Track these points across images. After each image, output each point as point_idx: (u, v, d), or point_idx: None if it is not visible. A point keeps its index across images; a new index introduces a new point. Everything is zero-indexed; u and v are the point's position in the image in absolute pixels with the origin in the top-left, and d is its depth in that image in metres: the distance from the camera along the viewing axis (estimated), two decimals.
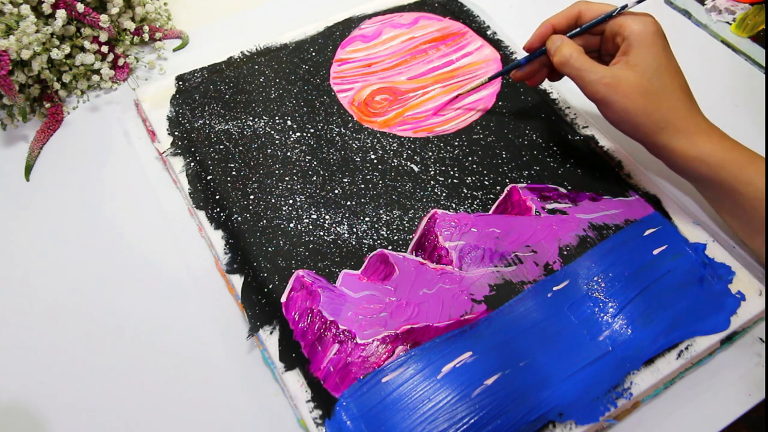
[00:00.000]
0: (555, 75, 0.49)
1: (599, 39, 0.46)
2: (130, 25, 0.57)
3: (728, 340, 0.42)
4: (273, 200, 0.47)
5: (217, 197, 0.47)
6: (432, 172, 0.49)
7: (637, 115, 0.42)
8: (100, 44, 0.56)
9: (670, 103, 0.42)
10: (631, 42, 0.42)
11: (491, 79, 0.53)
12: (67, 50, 0.53)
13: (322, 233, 0.45)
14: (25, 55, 0.50)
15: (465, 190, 0.48)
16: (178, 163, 0.50)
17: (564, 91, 0.55)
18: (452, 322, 0.40)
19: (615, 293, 0.41)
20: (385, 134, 0.52)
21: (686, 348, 0.40)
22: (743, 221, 0.42)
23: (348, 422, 0.36)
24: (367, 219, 0.46)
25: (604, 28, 0.45)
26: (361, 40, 0.58)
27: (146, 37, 0.59)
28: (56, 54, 0.52)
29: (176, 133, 0.51)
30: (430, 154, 0.50)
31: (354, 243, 0.45)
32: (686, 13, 0.64)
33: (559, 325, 0.40)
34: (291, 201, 0.47)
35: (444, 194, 0.48)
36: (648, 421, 0.39)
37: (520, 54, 0.57)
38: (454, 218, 0.45)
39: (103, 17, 0.53)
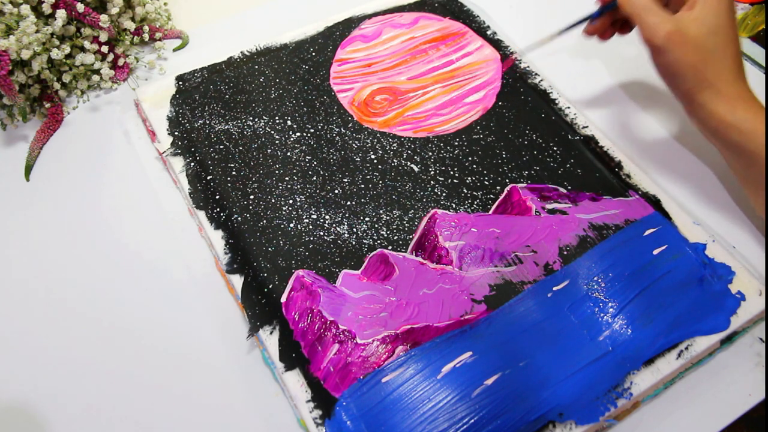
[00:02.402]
0: (625, 27, 0.50)
1: None
2: (130, 25, 0.57)
3: (728, 340, 0.42)
4: (273, 200, 0.47)
5: (217, 197, 0.47)
6: (432, 172, 0.49)
7: (685, 69, 0.42)
8: (100, 44, 0.56)
9: (720, 65, 0.42)
10: None
11: (562, 32, 0.51)
12: (67, 50, 0.53)
13: (322, 233, 0.45)
14: (25, 55, 0.50)
15: (465, 190, 0.48)
16: (178, 163, 0.50)
17: (564, 91, 0.55)
18: (452, 322, 0.40)
19: (615, 293, 0.41)
20: (385, 134, 0.52)
21: (686, 348, 0.40)
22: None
23: (348, 422, 0.36)
24: (367, 219, 0.46)
25: None
26: (361, 40, 0.58)
27: (146, 37, 0.59)
28: (56, 54, 0.52)
29: (176, 133, 0.51)
30: (430, 154, 0.50)
31: (354, 243, 0.45)
32: None
33: (559, 325, 0.40)
34: (291, 201, 0.47)
35: (444, 194, 0.48)
36: (648, 421, 0.39)
37: (521, 54, 0.57)
38: (454, 218, 0.45)
39: (103, 17, 0.53)
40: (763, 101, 0.43)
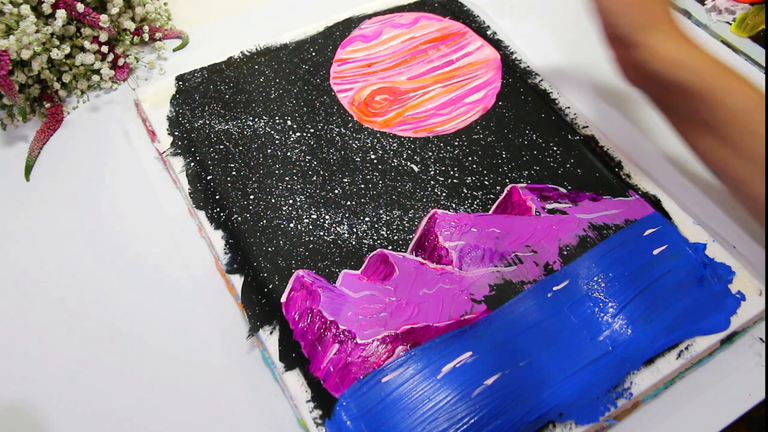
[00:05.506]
0: None
1: None
2: (130, 25, 0.57)
3: (728, 340, 0.42)
4: (273, 200, 0.47)
5: (217, 197, 0.47)
6: (432, 172, 0.49)
7: (632, 7, 0.41)
8: (100, 44, 0.56)
9: (663, 3, 0.41)
10: None
11: None
12: (67, 50, 0.53)
13: (322, 233, 0.45)
14: (25, 55, 0.50)
15: (465, 190, 0.48)
16: (178, 163, 0.50)
17: (564, 91, 0.55)
18: (452, 322, 0.40)
19: (615, 293, 0.41)
20: (385, 134, 0.52)
21: (686, 348, 0.40)
22: (718, 138, 0.40)
23: (348, 422, 0.36)
24: (367, 219, 0.46)
25: None
26: (361, 40, 0.58)
27: (146, 37, 0.59)
28: (56, 54, 0.52)
29: (176, 133, 0.51)
30: (430, 154, 0.50)
31: (354, 243, 0.45)
32: (686, 13, 0.64)
33: (559, 325, 0.40)
34: (291, 201, 0.47)
35: (444, 194, 0.48)
36: (648, 421, 0.39)
37: (521, 54, 0.57)
38: (454, 218, 0.45)
39: (103, 17, 0.53)
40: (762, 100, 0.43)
